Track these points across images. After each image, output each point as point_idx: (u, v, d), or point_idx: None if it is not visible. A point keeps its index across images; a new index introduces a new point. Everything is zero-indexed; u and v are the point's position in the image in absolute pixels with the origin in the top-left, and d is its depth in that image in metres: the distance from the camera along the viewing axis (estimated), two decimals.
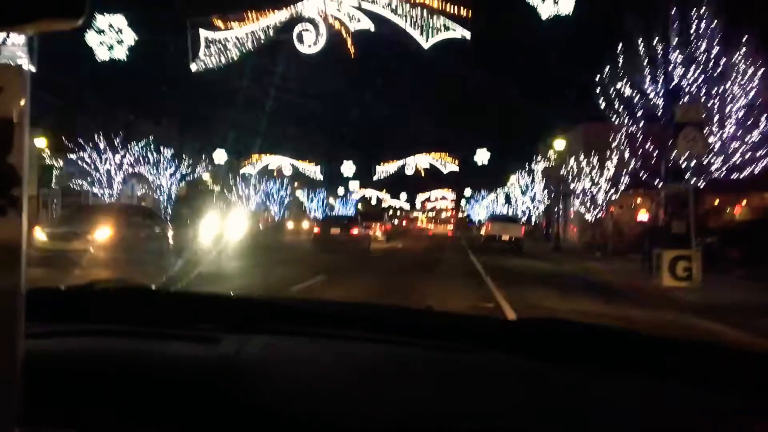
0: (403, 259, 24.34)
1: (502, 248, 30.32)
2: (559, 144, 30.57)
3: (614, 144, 23.14)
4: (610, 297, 13.09)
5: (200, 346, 1.31)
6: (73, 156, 34.42)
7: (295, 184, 65.69)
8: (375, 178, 58.37)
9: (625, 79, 16.95)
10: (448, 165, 54.20)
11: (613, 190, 26.29)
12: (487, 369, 1.29)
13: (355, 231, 26.60)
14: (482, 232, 36.34)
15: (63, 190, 36.16)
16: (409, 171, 55.01)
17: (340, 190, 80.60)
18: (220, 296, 1.88)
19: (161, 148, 39.99)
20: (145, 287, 1.91)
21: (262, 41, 17.93)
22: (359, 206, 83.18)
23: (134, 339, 1.36)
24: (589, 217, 28.12)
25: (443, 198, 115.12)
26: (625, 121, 17.29)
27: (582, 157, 27.87)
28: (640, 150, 17.38)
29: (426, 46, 18.14)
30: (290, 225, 49.46)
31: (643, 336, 1.47)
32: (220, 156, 48.96)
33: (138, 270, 13.58)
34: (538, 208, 43.02)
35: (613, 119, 17.79)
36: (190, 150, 43.25)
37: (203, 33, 17.42)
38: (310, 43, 17.90)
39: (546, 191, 39.63)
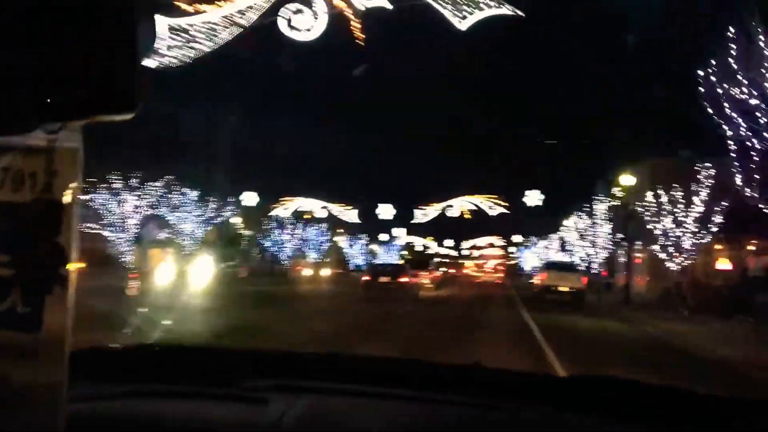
0: (444, 313, 20.35)
1: (559, 301, 25.77)
2: (627, 180, 26.08)
3: (703, 174, 18.66)
4: (747, 390, 8.61)
5: (248, 407, 1.33)
6: (84, 197, 31.71)
7: (339, 230, 62.43)
8: (414, 221, 54.34)
9: (735, 80, 12.42)
10: (495, 207, 49.89)
11: (703, 233, 21.36)
12: (540, 428, 1.30)
13: (404, 279, 26.45)
14: (536, 281, 31.66)
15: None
16: (453, 214, 50.92)
17: (383, 236, 76.64)
18: (267, 352, 1.85)
19: (183, 189, 37.32)
20: (191, 344, 2.20)
21: (244, 27, 14.44)
22: (404, 253, 79.30)
23: (180, 400, 1.36)
24: (672, 265, 23.15)
25: (491, 245, 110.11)
26: (741, 132, 12.58)
27: (662, 193, 23.03)
28: (756, 176, 12.67)
29: (462, 27, 14.20)
30: (308, 272, 45.04)
31: (709, 397, 1.42)
32: (249, 198, 45.94)
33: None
34: (599, 255, 37.89)
35: (723, 131, 13.05)
36: (215, 191, 40.35)
37: (164, 20, 14.02)
38: (303, 27, 14.33)
39: (609, 235, 34.77)
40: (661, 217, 22.75)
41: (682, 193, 21.99)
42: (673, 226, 22.30)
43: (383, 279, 26.10)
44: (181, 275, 17.84)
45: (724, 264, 27.80)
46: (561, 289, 26.99)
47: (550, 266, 31.87)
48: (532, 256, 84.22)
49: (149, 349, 1.80)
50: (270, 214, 50.88)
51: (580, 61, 63.85)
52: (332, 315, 17.37)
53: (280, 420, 1.24)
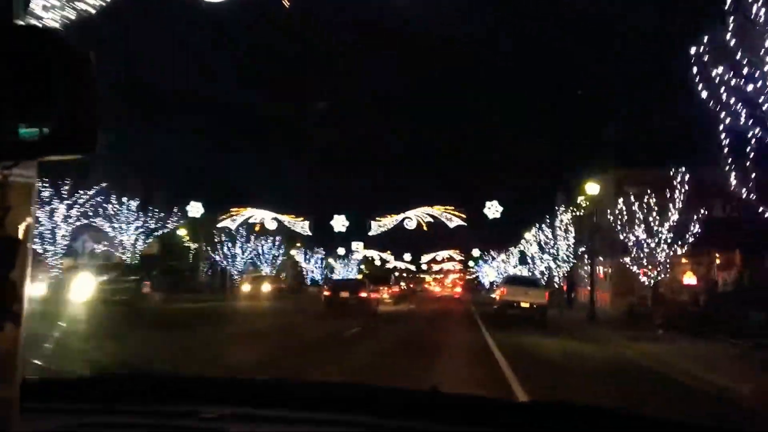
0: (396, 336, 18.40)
1: (521, 317, 24.21)
2: (592, 188, 24.70)
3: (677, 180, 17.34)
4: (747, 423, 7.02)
5: None
6: None
7: (297, 244, 59.96)
8: (371, 233, 52.37)
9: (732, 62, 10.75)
10: (453, 219, 48.42)
11: (678, 244, 19.87)
12: None
13: (363, 294, 26.95)
14: (496, 296, 30.10)
15: None
16: (411, 226, 49.27)
17: (341, 250, 74.24)
18: (222, 379, 1.83)
19: (122, 197, 34.54)
20: (145, 371, 2.16)
21: None
22: (363, 268, 77.30)
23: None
24: (645, 279, 21.66)
25: (450, 258, 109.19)
26: (739, 121, 10.86)
27: (633, 201, 21.56)
28: (753, 175, 11.03)
29: None
30: (246, 288, 42.20)
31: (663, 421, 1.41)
32: (195, 208, 43.14)
33: None
34: (561, 268, 36.51)
35: (716, 120, 11.36)
36: (158, 199, 37.59)
37: None
38: None
39: (572, 247, 33.42)
40: (633, 227, 21.31)
41: (654, 200, 20.58)
42: (645, 236, 20.85)
43: (343, 294, 26.46)
44: (57, 291, 15.53)
45: (689, 278, 26.57)
46: (523, 304, 25.43)
47: (512, 281, 30.39)
48: (492, 270, 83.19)
49: (103, 377, 1.79)
50: (218, 225, 48.12)
51: (546, 59, 62.57)
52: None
53: None
